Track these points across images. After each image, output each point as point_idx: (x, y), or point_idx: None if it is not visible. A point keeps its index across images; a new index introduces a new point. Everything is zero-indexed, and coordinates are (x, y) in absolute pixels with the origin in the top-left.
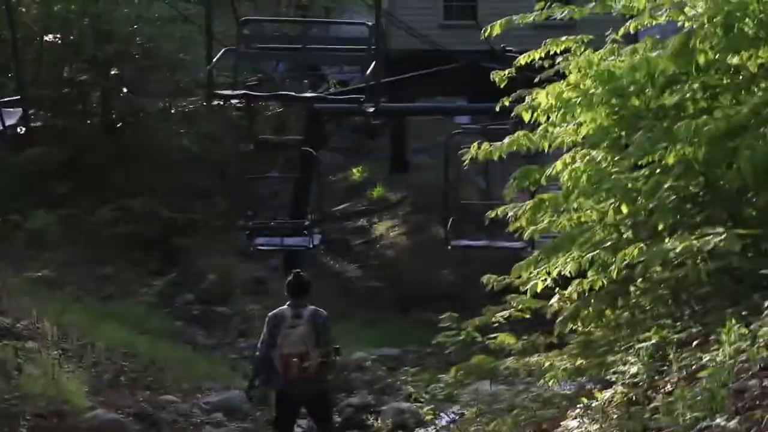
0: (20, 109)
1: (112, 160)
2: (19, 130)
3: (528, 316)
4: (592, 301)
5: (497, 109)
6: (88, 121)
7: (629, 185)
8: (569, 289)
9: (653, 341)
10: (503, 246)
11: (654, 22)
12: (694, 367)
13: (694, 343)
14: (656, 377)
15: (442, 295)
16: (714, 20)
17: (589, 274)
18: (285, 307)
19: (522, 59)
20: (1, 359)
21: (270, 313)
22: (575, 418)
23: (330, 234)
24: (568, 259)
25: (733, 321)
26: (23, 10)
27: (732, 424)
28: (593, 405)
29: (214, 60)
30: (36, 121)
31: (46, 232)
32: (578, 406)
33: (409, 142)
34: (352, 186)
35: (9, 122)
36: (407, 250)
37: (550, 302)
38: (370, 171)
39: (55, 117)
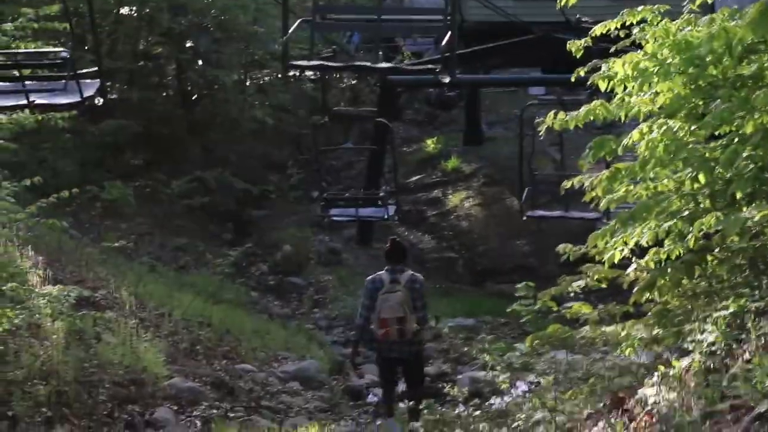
0: (98, 80)
1: (186, 132)
2: (96, 101)
3: (604, 285)
4: (669, 270)
5: (572, 79)
6: (164, 94)
7: (706, 155)
8: (646, 258)
9: (731, 310)
10: (578, 217)
11: None
12: None
13: None
14: (734, 346)
15: (517, 267)
16: None
17: (666, 243)
18: (383, 272)
19: (597, 29)
20: (81, 328)
21: (368, 278)
22: (652, 386)
23: (404, 205)
24: (645, 229)
25: None
26: None
27: None
28: (670, 373)
29: (290, 31)
30: (112, 93)
31: (123, 203)
32: (655, 374)
33: (483, 114)
34: (426, 158)
35: (87, 93)
36: (481, 222)
37: (627, 272)
38: (444, 143)
39: (131, 89)
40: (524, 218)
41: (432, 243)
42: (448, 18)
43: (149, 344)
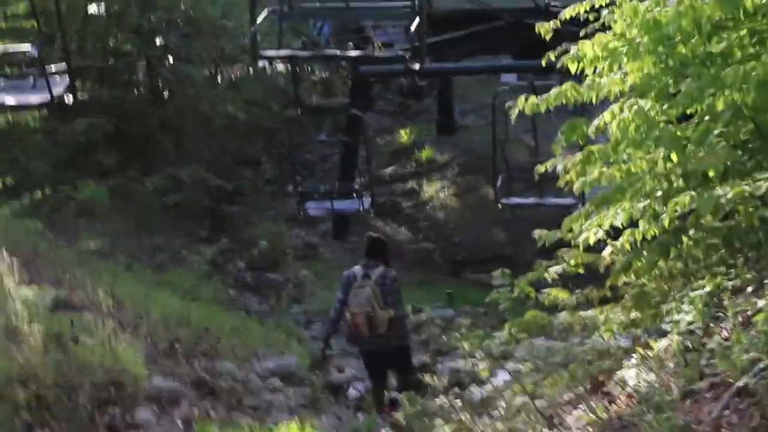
0: (67, 78)
1: (158, 129)
2: (66, 99)
3: (581, 271)
4: (645, 252)
5: (543, 63)
6: (134, 91)
7: (678, 133)
8: (621, 239)
9: (707, 289)
10: (553, 203)
11: None
12: (749, 312)
13: (749, 289)
14: (711, 325)
15: (494, 256)
16: None
17: (641, 223)
18: (358, 267)
19: (567, 12)
20: (57, 331)
21: (344, 273)
22: (631, 368)
23: (379, 197)
24: (619, 210)
25: None
26: None
27: None
28: (649, 354)
29: (258, 21)
30: (82, 92)
31: (96, 203)
32: (634, 356)
33: (455, 103)
34: (400, 149)
35: (56, 91)
36: (457, 212)
37: (603, 254)
38: (418, 133)
39: (101, 88)
40: (499, 206)
41: (408, 234)
42: (417, 4)
43: (128, 345)
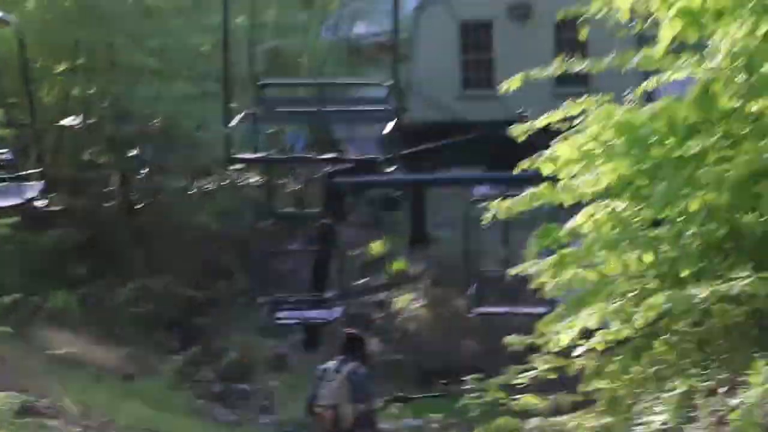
0: (41, 182)
1: (131, 240)
2: (40, 203)
3: (553, 376)
4: (616, 356)
5: (516, 171)
6: (108, 202)
7: (652, 234)
8: (593, 340)
9: (681, 390)
10: (526, 312)
11: (673, 77)
12: (722, 412)
13: (721, 390)
14: (684, 426)
15: (465, 367)
16: (734, 64)
17: (613, 325)
18: (331, 362)
19: (541, 121)
20: None
21: (318, 367)
22: None
23: (350, 308)
24: (592, 312)
25: (762, 363)
26: (43, 93)
27: None
28: None
29: (233, 122)
30: (56, 203)
31: (67, 312)
32: None
33: (428, 215)
34: (372, 260)
35: (29, 195)
36: (429, 323)
37: (575, 354)
38: (390, 245)
39: (75, 198)
40: (471, 315)
41: (379, 345)
42: (390, 107)
43: None
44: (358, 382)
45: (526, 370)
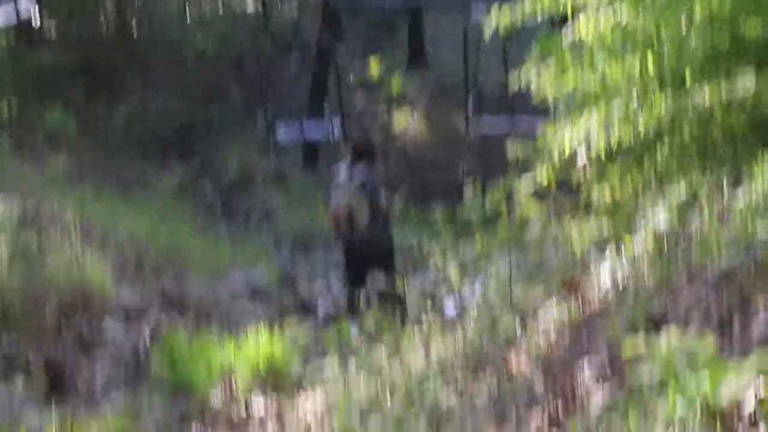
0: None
1: (127, 61)
2: (33, 22)
3: (553, 184)
4: (618, 162)
5: None
6: (103, 25)
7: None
8: (595, 140)
9: (682, 188)
10: (526, 124)
11: None
12: (726, 208)
13: (725, 185)
14: (687, 223)
15: (464, 186)
16: None
17: (616, 129)
18: (344, 167)
19: None
20: (24, 246)
21: (332, 170)
22: (605, 267)
23: (348, 128)
24: (594, 117)
25: (765, 156)
26: None
27: None
28: (623, 253)
29: None
30: (50, 25)
31: (64, 130)
32: (607, 255)
33: (426, 36)
34: (370, 80)
35: (23, 13)
36: (428, 144)
37: (577, 158)
38: (388, 65)
39: (70, 19)
40: (469, 129)
41: (378, 166)
42: None
43: (95, 261)
44: (371, 186)
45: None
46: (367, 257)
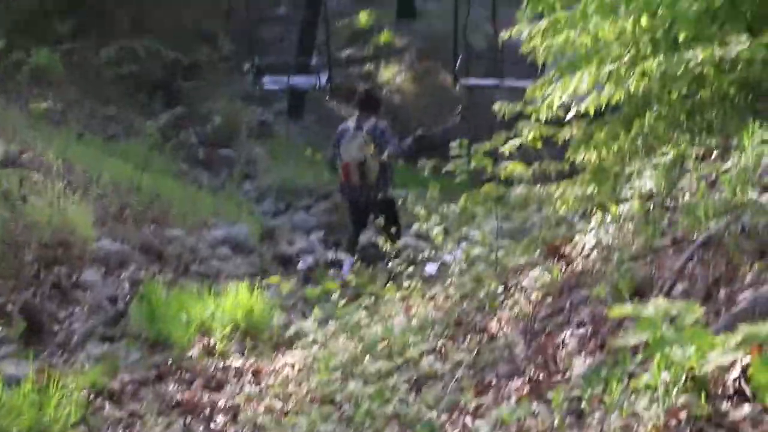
0: None
1: (114, 0)
2: None
3: (539, 145)
4: (606, 124)
5: None
6: None
7: None
8: (585, 103)
9: (670, 156)
10: (513, 86)
11: None
12: (714, 175)
13: (714, 154)
14: (674, 189)
15: (450, 140)
16: None
17: (606, 87)
18: (350, 120)
19: None
20: (6, 189)
21: (339, 126)
22: (589, 231)
23: (336, 79)
24: (585, 75)
25: (756, 125)
26: None
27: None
28: (608, 218)
29: None
30: None
31: (50, 70)
32: (592, 219)
33: None
34: (359, 31)
35: None
36: (414, 96)
37: (565, 119)
38: (377, 16)
39: None
40: (458, 87)
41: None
42: None
43: (77, 207)
44: (380, 136)
45: (513, 137)
46: (371, 207)
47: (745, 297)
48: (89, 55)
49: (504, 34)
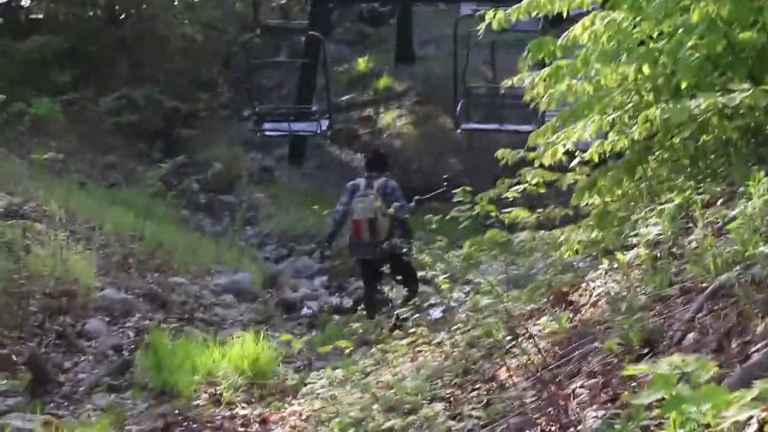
0: None
1: (114, 49)
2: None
3: (542, 191)
4: (610, 170)
5: None
6: (91, 11)
7: (651, 45)
8: (590, 150)
9: (676, 202)
10: (513, 129)
11: None
12: (720, 223)
13: (719, 201)
14: (680, 236)
15: (452, 185)
16: None
17: (610, 135)
18: (361, 179)
19: None
20: (9, 239)
21: (348, 183)
22: (596, 279)
23: (336, 124)
24: (588, 123)
25: (761, 173)
26: None
27: None
28: (615, 266)
29: None
30: (38, 11)
31: (50, 119)
32: (599, 267)
33: (414, 32)
34: (358, 76)
35: None
36: (414, 140)
37: (570, 165)
38: (376, 61)
39: (58, 6)
40: (459, 131)
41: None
42: None
43: (80, 256)
44: (390, 193)
45: (517, 184)
46: (382, 264)
47: (757, 350)
48: (89, 105)
49: (506, 82)
